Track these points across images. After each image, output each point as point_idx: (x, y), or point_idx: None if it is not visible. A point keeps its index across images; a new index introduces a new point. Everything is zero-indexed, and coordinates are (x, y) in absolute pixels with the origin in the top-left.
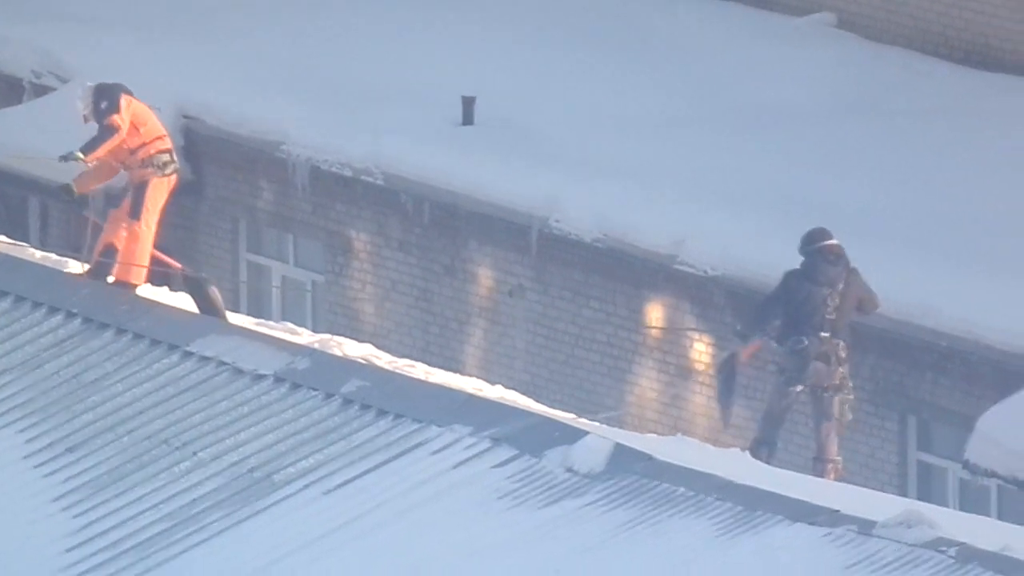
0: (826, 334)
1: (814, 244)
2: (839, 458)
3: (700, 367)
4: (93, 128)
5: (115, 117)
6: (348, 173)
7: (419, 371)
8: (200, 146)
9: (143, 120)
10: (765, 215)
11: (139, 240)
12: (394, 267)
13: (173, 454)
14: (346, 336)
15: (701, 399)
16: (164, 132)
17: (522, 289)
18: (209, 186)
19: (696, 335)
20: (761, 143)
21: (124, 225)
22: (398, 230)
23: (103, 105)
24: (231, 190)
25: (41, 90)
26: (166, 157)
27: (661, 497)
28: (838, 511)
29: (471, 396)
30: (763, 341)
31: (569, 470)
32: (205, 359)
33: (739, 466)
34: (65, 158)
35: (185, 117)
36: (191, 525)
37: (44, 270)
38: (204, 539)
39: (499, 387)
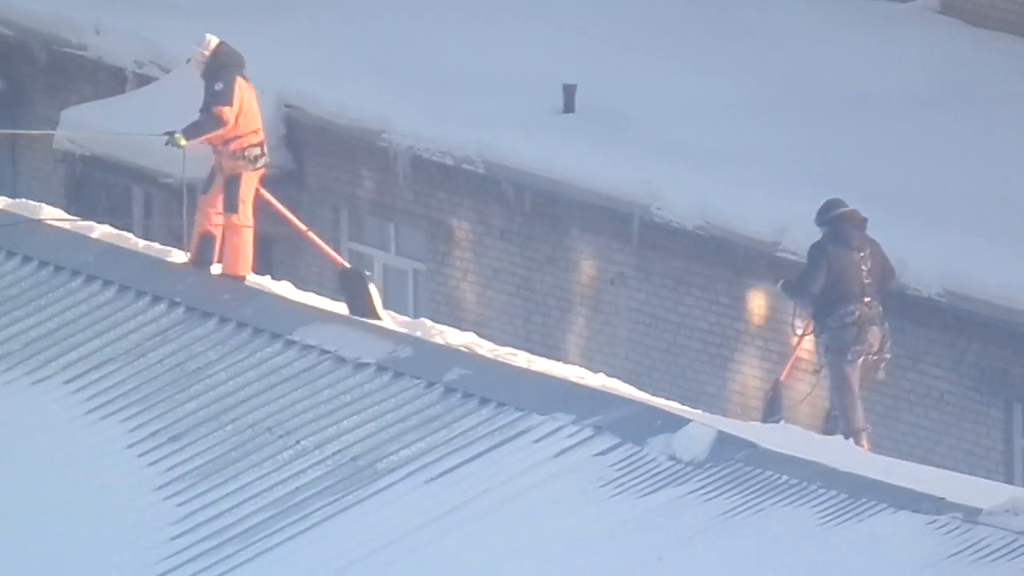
0: (868, 299)
1: (834, 211)
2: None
3: (803, 354)
4: (190, 78)
5: (226, 109)
6: (449, 162)
7: (521, 359)
8: (301, 135)
9: (244, 110)
10: (868, 202)
11: (239, 233)
12: (495, 255)
13: (276, 442)
14: (448, 324)
15: (804, 387)
16: (259, 123)
17: (624, 277)
18: (310, 175)
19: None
20: (862, 130)
21: (221, 217)
22: (499, 218)
23: (218, 86)
24: (332, 179)
25: (144, 80)
26: (257, 151)
27: (764, 485)
28: (943, 499)
29: (573, 384)
30: (806, 320)
31: (672, 458)
32: (308, 347)
33: (843, 454)
34: (168, 141)
35: (287, 106)
36: (294, 513)
37: (147, 259)
38: (307, 527)
39: (601, 375)
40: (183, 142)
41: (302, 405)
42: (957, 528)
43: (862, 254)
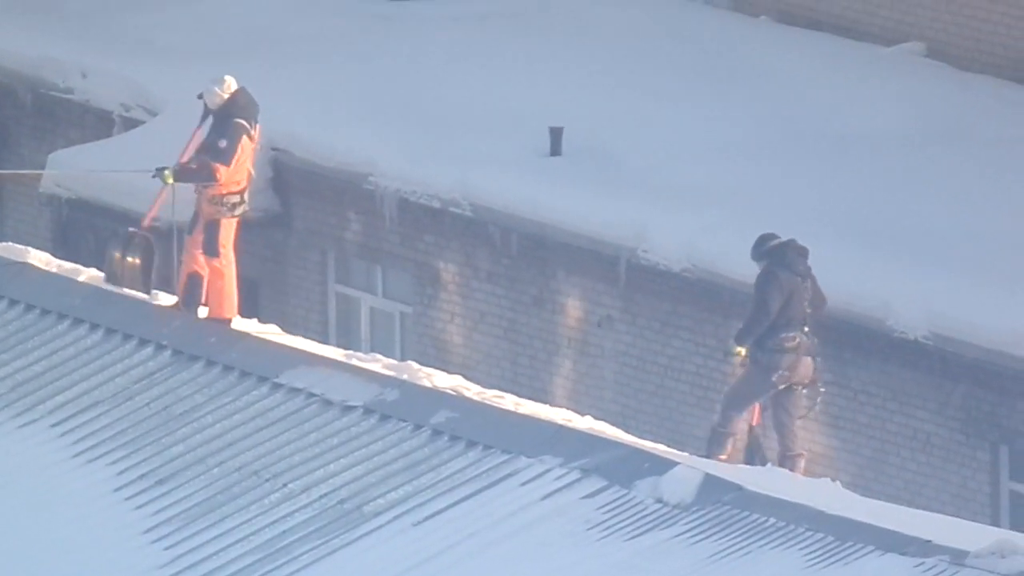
0: (807, 328)
1: (772, 242)
2: (804, 451)
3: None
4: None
5: (222, 168)
6: (436, 204)
7: (508, 402)
8: (288, 178)
9: (239, 164)
10: (855, 243)
11: (222, 277)
12: (482, 298)
13: (263, 486)
14: (435, 367)
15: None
16: (245, 172)
17: (611, 320)
18: (298, 218)
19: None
20: (850, 171)
21: (203, 261)
22: (486, 261)
23: (222, 143)
24: (320, 222)
25: (131, 123)
26: (236, 199)
27: (751, 528)
28: (930, 541)
29: (560, 427)
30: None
31: (659, 501)
32: (295, 391)
33: (830, 496)
34: (156, 175)
35: (274, 149)
36: (282, 556)
37: (134, 303)
38: (295, 570)
39: (588, 418)
40: (170, 180)
41: (289, 448)
42: (944, 571)
43: (804, 283)
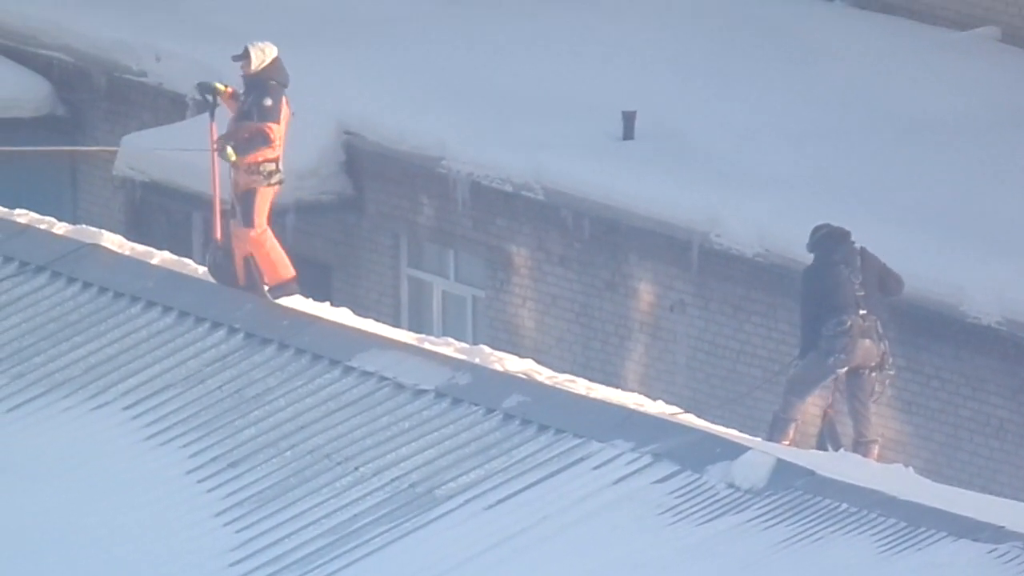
0: (863, 311)
1: (817, 233)
2: (878, 437)
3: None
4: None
5: (274, 127)
6: (508, 188)
7: (580, 386)
8: (361, 162)
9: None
10: (929, 228)
11: (262, 243)
12: (554, 282)
13: (335, 469)
14: (507, 351)
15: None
16: (281, 143)
17: (683, 304)
18: (370, 202)
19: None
20: (921, 156)
21: (243, 235)
22: (559, 245)
23: (267, 101)
24: (392, 206)
25: (204, 106)
26: (272, 167)
27: (823, 513)
28: (1003, 527)
29: (632, 411)
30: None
31: (731, 485)
32: (366, 374)
33: (902, 482)
34: (221, 150)
35: (346, 133)
36: (353, 540)
37: (207, 285)
38: (366, 554)
39: (660, 402)
40: (234, 157)
41: (361, 432)
42: (1017, 557)
43: (849, 268)
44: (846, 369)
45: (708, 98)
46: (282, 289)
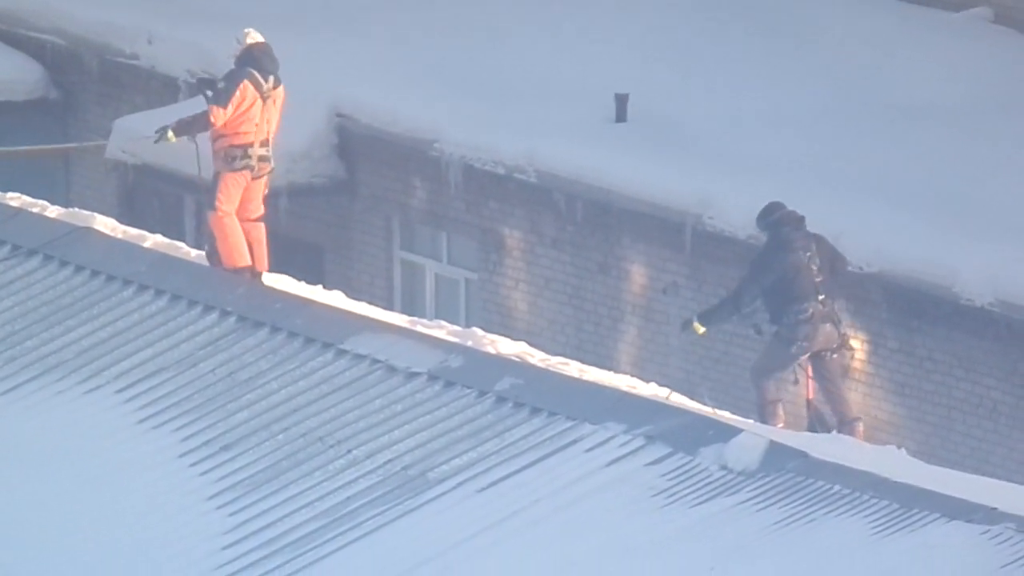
0: (822, 296)
1: (773, 215)
2: (860, 415)
3: (856, 364)
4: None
5: (217, 110)
6: (501, 171)
7: (572, 369)
8: (353, 144)
9: (241, 112)
10: (919, 212)
11: (223, 227)
12: (547, 264)
13: (327, 452)
14: (500, 334)
15: (856, 396)
16: (255, 128)
17: (676, 287)
18: (363, 184)
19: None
20: (913, 138)
21: (208, 217)
22: (551, 228)
23: (220, 84)
24: (384, 188)
25: (195, 89)
26: (238, 153)
27: (816, 495)
28: (996, 509)
29: (625, 394)
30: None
31: (723, 467)
32: (359, 357)
33: (895, 463)
34: (159, 135)
35: (339, 115)
36: (346, 523)
37: (199, 268)
38: (358, 536)
39: (653, 385)
40: (173, 138)
41: (354, 415)
42: (1010, 539)
43: (808, 253)
44: (807, 355)
45: (701, 81)
46: (239, 272)
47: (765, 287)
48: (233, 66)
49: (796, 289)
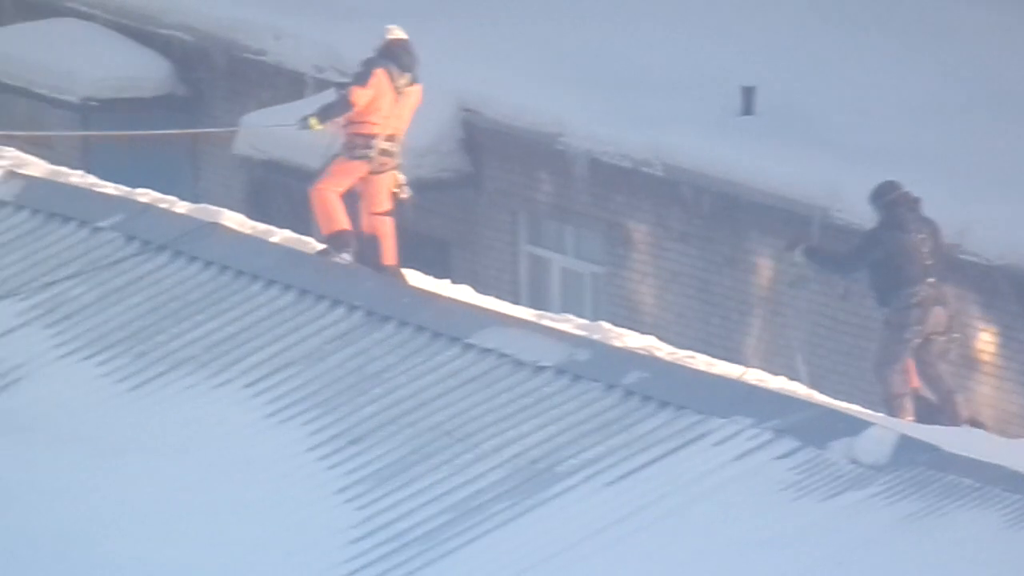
0: (932, 279)
1: (889, 195)
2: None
3: (986, 357)
4: None
5: (357, 90)
6: (627, 164)
7: (700, 362)
8: (479, 138)
9: (372, 102)
10: None
11: (318, 199)
12: (674, 258)
13: (455, 446)
14: (627, 327)
15: (987, 390)
16: (380, 119)
17: (804, 279)
18: (488, 178)
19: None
20: None
21: (374, 218)
22: (678, 221)
23: (358, 68)
24: (510, 182)
25: (323, 85)
26: (360, 141)
27: (947, 488)
28: None
29: (753, 387)
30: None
31: (853, 461)
32: (486, 351)
33: None
34: (301, 125)
35: (465, 110)
36: (474, 516)
37: (326, 263)
38: (487, 530)
39: (782, 378)
40: (317, 126)
41: (481, 409)
42: None
43: (921, 236)
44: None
45: (828, 72)
46: (337, 240)
47: (871, 262)
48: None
49: (906, 272)
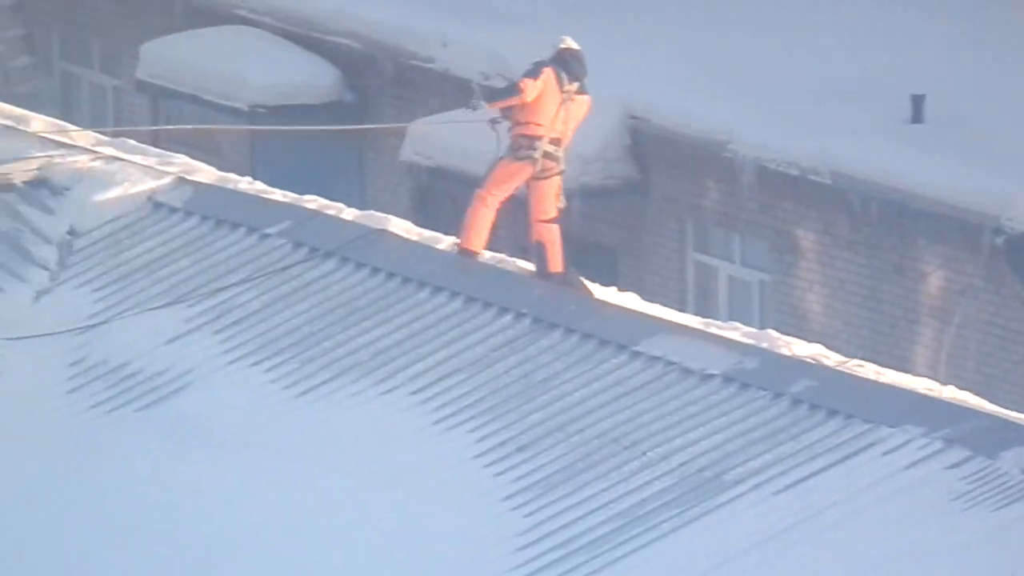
0: None
1: None
2: None
3: None
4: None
5: (527, 81)
6: (795, 172)
7: (869, 371)
8: (646, 146)
9: (534, 103)
10: None
11: (477, 206)
12: (842, 266)
13: (622, 453)
14: (794, 335)
15: None
16: (545, 120)
17: (974, 289)
18: (655, 186)
19: None
20: None
21: (543, 226)
22: (846, 229)
23: (530, 65)
24: (677, 190)
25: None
26: (524, 142)
27: None
28: None
29: (923, 396)
30: None
31: None
32: (653, 359)
33: None
34: (473, 104)
35: (632, 117)
36: (641, 524)
37: (494, 271)
38: (654, 539)
39: (951, 387)
40: (483, 105)
41: (648, 416)
42: None
43: None
44: None
45: (998, 80)
46: (463, 254)
47: None
48: None
49: None
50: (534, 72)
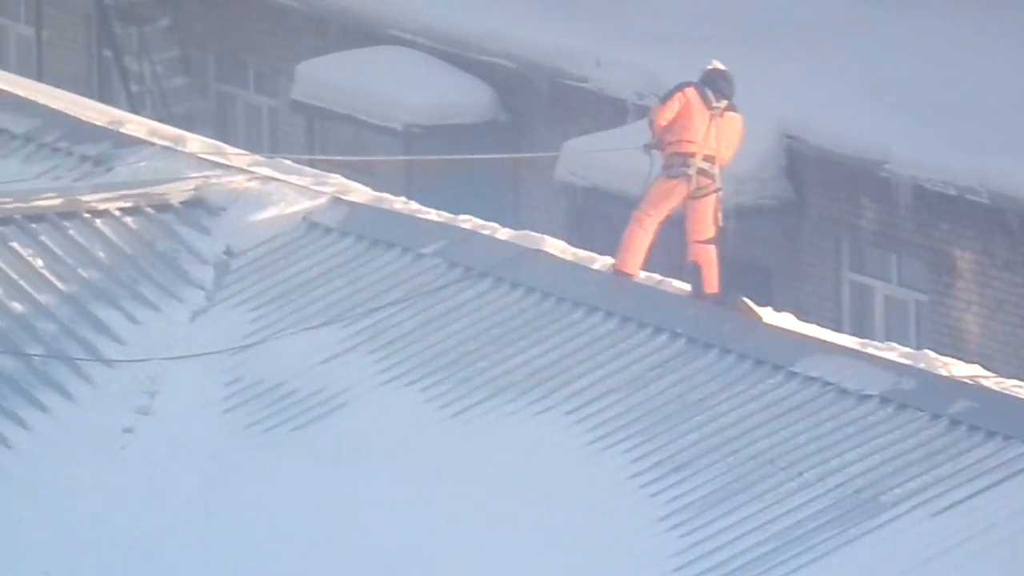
0: None
1: None
2: None
3: None
4: None
5: (658, 108)
6: (952, 191)
7: None
8: (802, 165)
9: (682, 121)
10: None
11: (633, 227)
12: (1000, 286)
13: (779, 474)
14: (951, 356)
15: None
16: (696, 138)
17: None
18: (811, 205)
19: None
20: None
21: (698, 246)
22: (1004, 249)
23: (667, 91)
24: (833, 209)
25: (644, 112)
26: (673, 160)
27: None
28: None
29: None
30: None
31: None
32: (810, 379)
33: None
34: (646, 149)
35: (787, 137)
36: (797, 546)
37: (649, 291)
38: (811, 560)
39: None
40: (657, 155)
41: (804, 437)
42: None
43: None
44: None
45: None
46: (619, 276)
47: None
48: None
49: None
50: (667, 95)
